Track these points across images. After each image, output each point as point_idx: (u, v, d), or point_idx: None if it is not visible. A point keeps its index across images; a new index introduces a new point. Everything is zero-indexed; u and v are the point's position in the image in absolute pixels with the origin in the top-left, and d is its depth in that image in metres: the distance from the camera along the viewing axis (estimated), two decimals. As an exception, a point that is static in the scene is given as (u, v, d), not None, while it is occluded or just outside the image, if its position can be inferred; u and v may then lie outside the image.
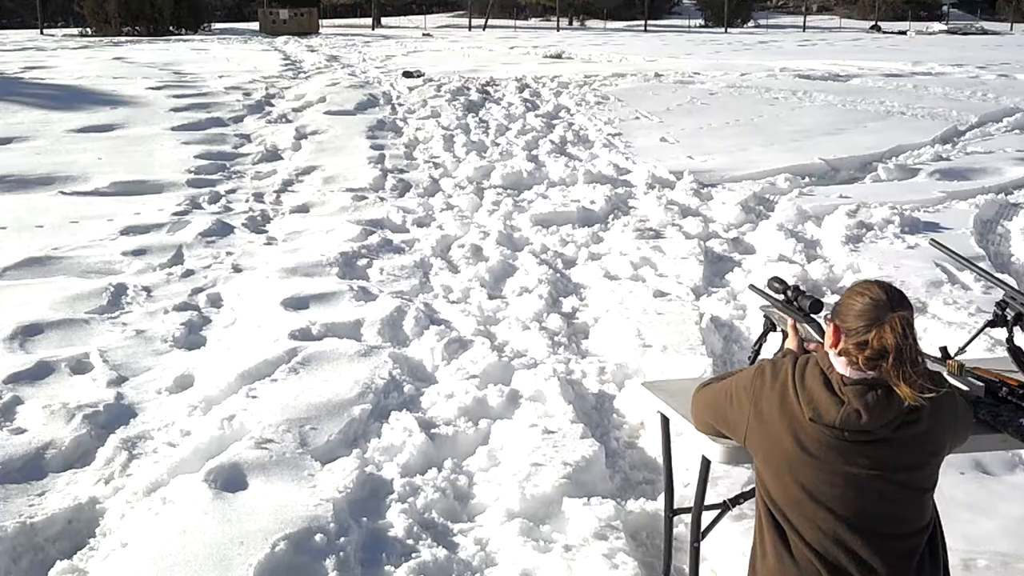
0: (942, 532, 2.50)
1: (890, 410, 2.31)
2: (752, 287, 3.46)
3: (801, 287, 3.15)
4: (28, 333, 5.94)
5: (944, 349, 3.23)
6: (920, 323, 6.13)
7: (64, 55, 27.09)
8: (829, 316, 2.47)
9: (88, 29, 43.21)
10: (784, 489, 2.42)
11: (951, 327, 5.94)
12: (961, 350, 3.41)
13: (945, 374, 3.02)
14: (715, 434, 2.76)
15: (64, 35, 40.46)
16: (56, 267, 7.39)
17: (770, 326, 3.30)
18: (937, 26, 55.49)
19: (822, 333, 2.84)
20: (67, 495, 4.12)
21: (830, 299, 6.80)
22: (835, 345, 2.39)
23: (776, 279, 3.20)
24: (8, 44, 32.14)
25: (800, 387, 2.40)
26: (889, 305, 2.33)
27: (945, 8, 64.96)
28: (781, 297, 3.14)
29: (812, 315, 3.02)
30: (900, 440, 2.34)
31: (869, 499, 2.34)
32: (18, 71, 20.94)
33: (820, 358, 2.45)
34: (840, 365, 2.37)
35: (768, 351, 3.23)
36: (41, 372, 5.36)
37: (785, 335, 3.11)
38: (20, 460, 4.35)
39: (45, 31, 42.72)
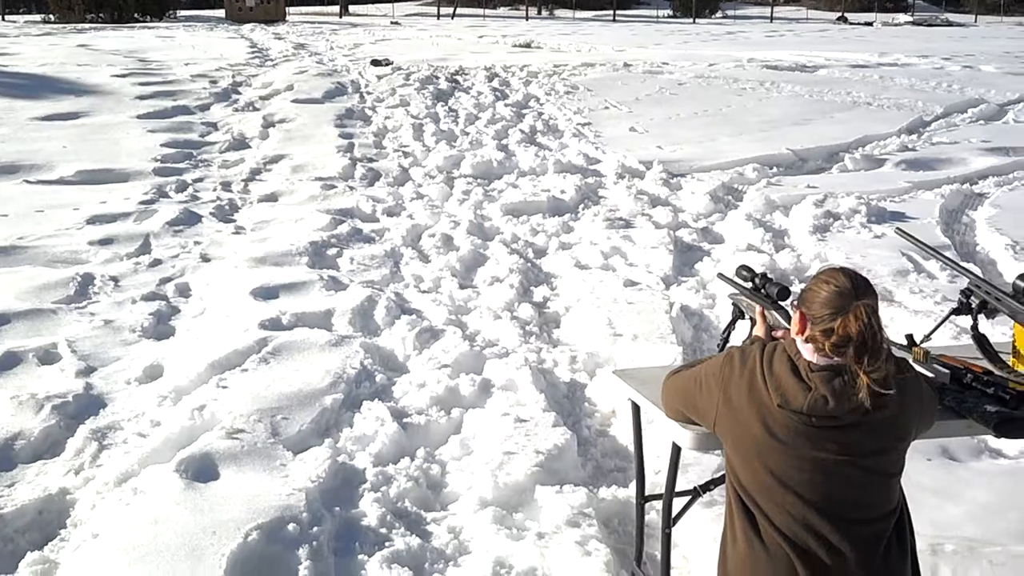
0: (909, 517, 2.54)
1: (857, 396, 2.33)
2: (721, 276, 3.49)
3: (769, 275, 3.17)
4: (-6, 323, 5.88)
5: (910, 336, 3.27)
6: (887, 311, 6.20)
7: (27, 42, 26.73)
8: (795, 303, 2.49)
9: (51, 16, 42.60)
10: (753, 475, 2.44)
11: (917, 315, 6.02)
12: (927, 337, 3.44)
13: (911, 361, 3.06)
14: (685, 421, 2.77)
15: (26, 22, 39.93)
16: (22, 256, 7.30)
17: (738, 314, 3.32)
18: (903, 18, 55.89)
19: (790, 320, 2.86)
20: (37, 486, 4.09)
21: (798, 287, 6.86)
22: (801, 332, 2.41)
23: (744, 267, 3.23)
24: (-31, 30, 31.67)
25: (768, 373, 2.42)
26: (854, 293, 2.35)
27: (911, 0, 65.50)
28: (749, 285, 3.17)
29: (779, 302, 3.05)
30: (867, 425, 2.36)
31: (836, 484, 2.37)
32: (-20, 58, 20.64)
33: (787, 345, 2.47)
34: (807, 352, 2.39)
35: (737, 338, 3.26)
36: (8, 362, 5.31)
37: (753, 322, 3.14)
38: (-12, 451, 4.32)
39: (6, 17, 42.10)
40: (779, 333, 2.97)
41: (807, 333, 2.39)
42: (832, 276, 2.41)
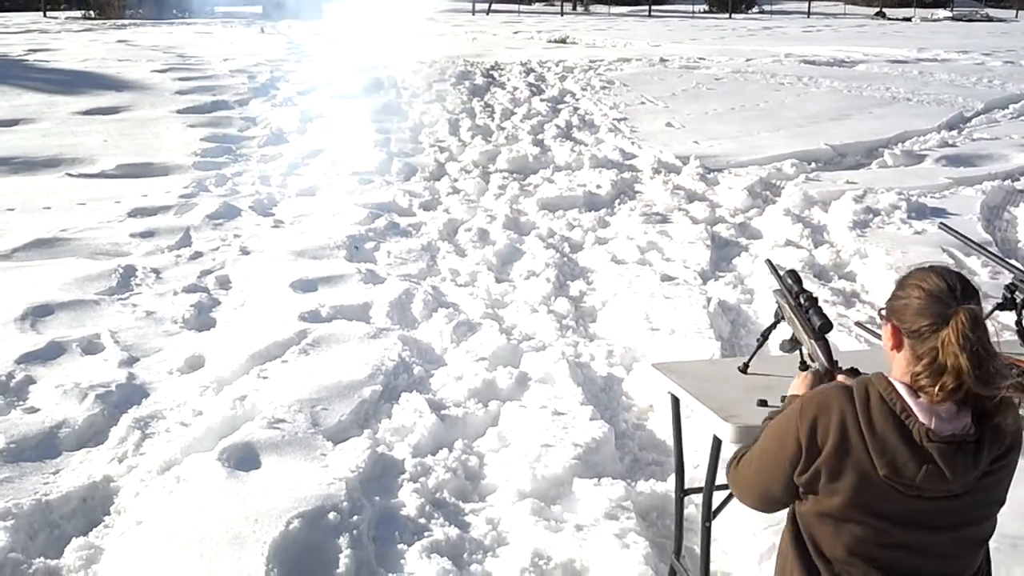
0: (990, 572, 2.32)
1: (978, 467, 2.06)
2: (769, 263, 3.32)
3: (815, 296, 2.93)
4: (39, 314, 5.96)
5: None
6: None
7: (68, 38, 27.01)
8: (884, 313, 2.21)
9: (91, 12, 43.04)
10: (834, 538, 2.18)
11: (958, 312, 5.95)
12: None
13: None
14: (770, 504, 2.35)
15: (67, 18, 40.31)
16: (65, 248, 7.41)
17: (781, 315, 3.20)
18: (942, 12, 55.10)
19: (829, 353, 2.68)
20: (81, 473, 4.16)
21: (837, 284, 6.82)
22: (897, 347, 2.13)
23: (793, 274, 2.99)
24: (11, 27, 32.07)
25: (870, 436, 2.07)
26: (952, 295, 2.06)
27: (950, -6, 64.64)
28: (793, 302, 2.91)
29: (822, 335, 2.77)
30: (972, 493, 2.10)
31: (930, 559, 2.15)
32: (22, 54, 20.90)
33: (883, 390, 2.10)
34: (922, 411, 2.05)
35: (776, 338, 3.18)
36: (53, 352, 5.39)
37: (797, 343, 2.95)
38: (34, 439, 4.39)
39: (48, 14, 42.55)
40: (840, 378, 2.49)
41: (911, 368, 2.08)
42: (922, 279, 2.12)
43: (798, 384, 2.54)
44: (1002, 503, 2.20)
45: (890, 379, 2.11)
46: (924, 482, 2.04)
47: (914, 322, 2.08)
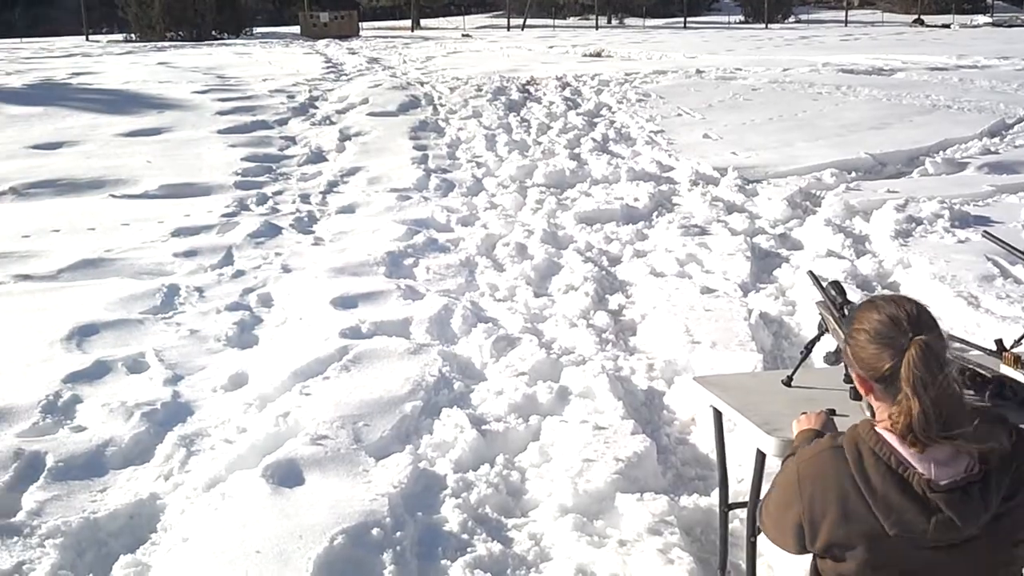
0: None
1: (989, 507, 1.98)
2: (811, 274, 3.29)
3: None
4: (84, 333, 6.04)
5: (999, 342, 3.20)
6: (973, 318, 6.07)
7: (109, 60, 27.49)
8: (846, 362, 2.17)
9: (132, 35, 43.76)
10: None
11: (1005, 321, 5.88)
12: (1017, 342, 3.38)
13: (1001, 366, 3.00)
14: (800, 546, 2.28)
15: (109, 41, 41.02)
16: (109, 268, 7.51)
17: (824, 329, 3.18)
18: (981, 19, 54.53)
19: None
20: (128, 491, 4.20)
21: (881, 294, 6.74)
22: (869, 393, 2.08)
23: (836, 285, 2.99)
24: (55, 51, 32.67)
25: (870, 495, 2.00)
26: (898, 328, 1.99)
27: (989, 0, 63.91)
28: (837, 314, 2.93)
29: None
30: (989, 536, 2.02)
31: None
32: (66, 77, 21.28)
33: (874, 444, 2.02)
34: (918, 461, 1.98)
35: (820, 350, 3.15)
36: (98, 371, 5.46)
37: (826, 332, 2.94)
38: (82, 457, 4.44)
39: (90, 37, 43.31)
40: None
41: (883, 410, 2.04)
42: (866, 315, 2.06)
43: (800, 426, 2.56)
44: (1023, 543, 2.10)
45: (878, 430, 2.03)
46: (936, 533, 1.97)
47: (873, 367, 2.02)
